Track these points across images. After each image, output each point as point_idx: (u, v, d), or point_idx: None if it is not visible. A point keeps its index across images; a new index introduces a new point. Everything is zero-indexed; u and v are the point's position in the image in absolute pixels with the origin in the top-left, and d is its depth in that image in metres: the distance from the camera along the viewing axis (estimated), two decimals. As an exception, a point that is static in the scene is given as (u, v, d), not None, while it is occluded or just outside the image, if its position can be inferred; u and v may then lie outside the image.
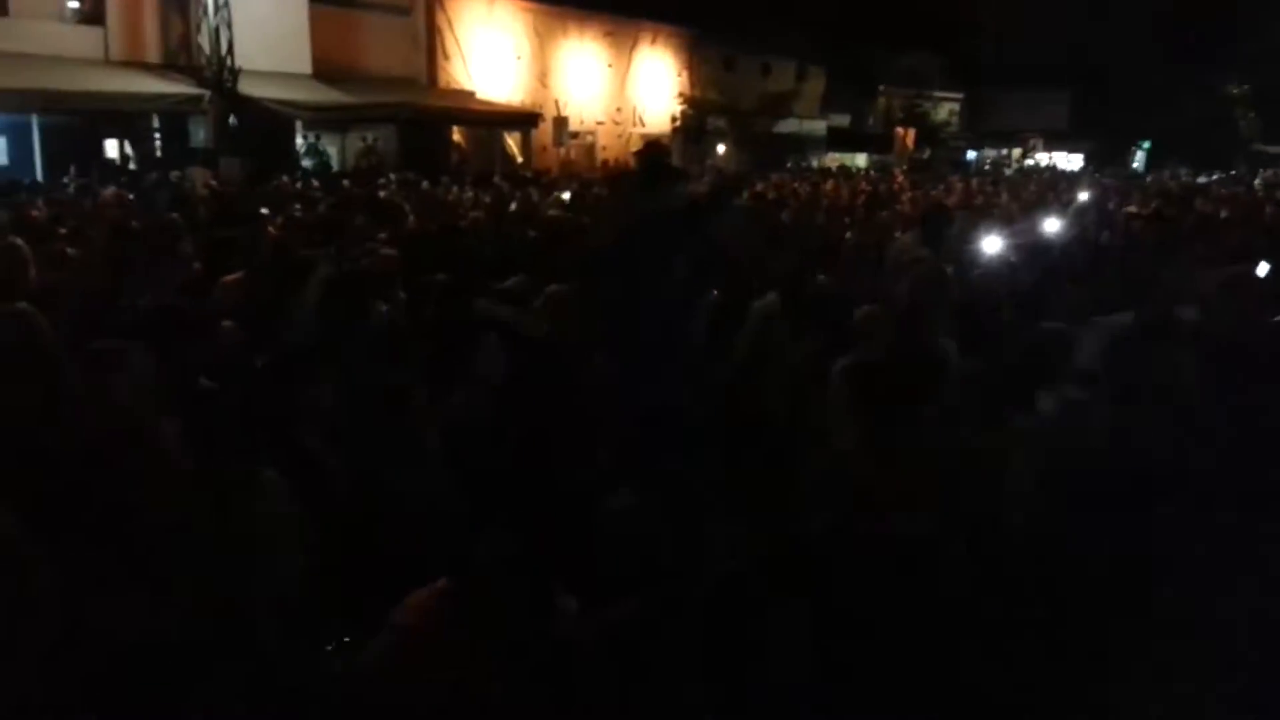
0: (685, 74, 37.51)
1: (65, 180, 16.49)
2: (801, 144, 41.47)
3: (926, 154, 43.14)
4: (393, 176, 18.32)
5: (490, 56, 29.60)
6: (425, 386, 3.42)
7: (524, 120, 29.21)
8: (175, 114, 21.13)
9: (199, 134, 21.81)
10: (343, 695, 2.36)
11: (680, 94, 36.87)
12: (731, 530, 3.36)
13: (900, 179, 25.84)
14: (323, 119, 23.54)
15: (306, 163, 23.15)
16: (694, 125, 36.46)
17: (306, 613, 2.52)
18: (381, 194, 13.77)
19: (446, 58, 28.47)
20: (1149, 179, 29.69)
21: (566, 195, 14.12)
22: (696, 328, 4.96)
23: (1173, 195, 18.13)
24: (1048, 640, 3.39)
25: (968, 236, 8.69)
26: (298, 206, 11.99)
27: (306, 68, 23.10)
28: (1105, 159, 44.47)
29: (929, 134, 45.30)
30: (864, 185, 22.13)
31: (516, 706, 2.60)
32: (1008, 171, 37.61)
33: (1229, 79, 43.63)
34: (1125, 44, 45.57)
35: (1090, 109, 49.29)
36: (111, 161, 21.15)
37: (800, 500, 3.54)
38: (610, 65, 34.61)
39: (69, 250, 7.03)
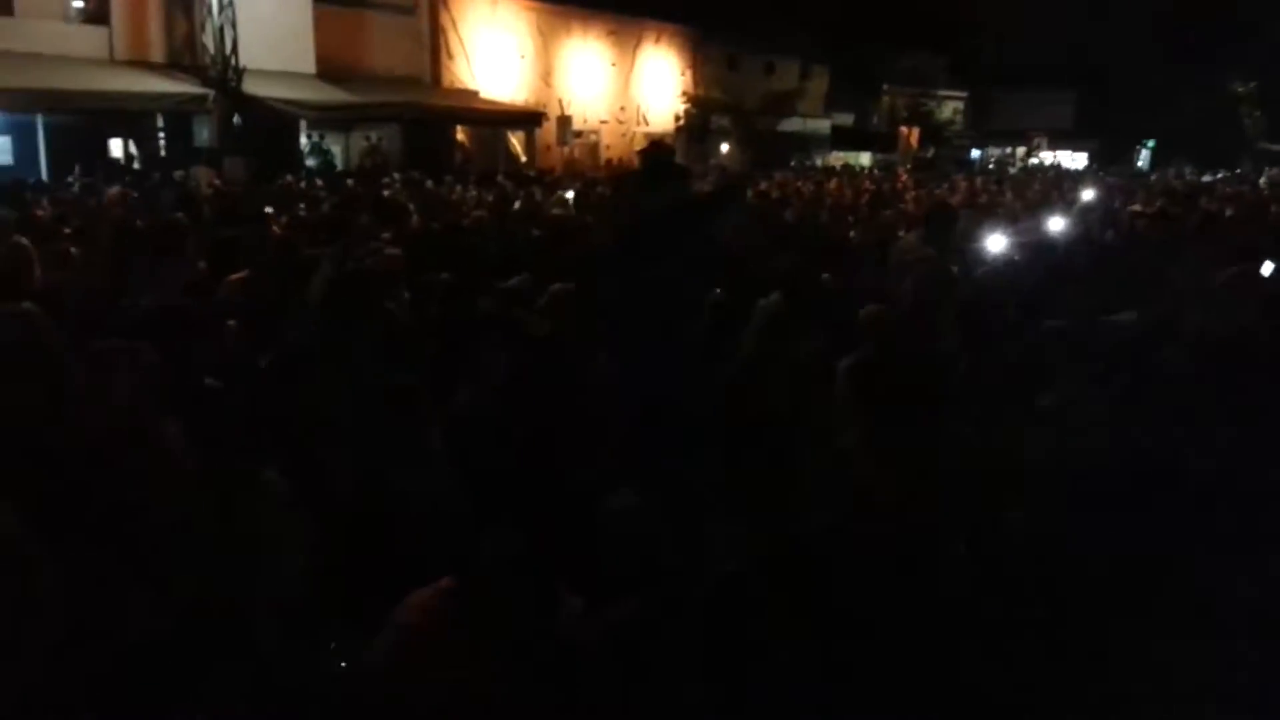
0: (689, 73, 37.49)
1: (70, 180, 16.51)
2: (805, 143, 41.44)
3: (930, 153, 43.07)
4: (397, 176, 18.34)
5: (494, 56, 29.61)
6: (429, 386, 3.42)
7: (528, 119, 29.21)
8: (180, 113, 21.15)
9: (203, 133, 21.83)
10: (344, 694, 2.36)
11: (684, 93, 36.85)
12: (731, 530, 3.36)
13: (904, 178, 25.81)
14: (327, 118, 23.55)
15: (310, 162, 23.16)
16: (698, 124, 36.45)
17: (307, 612, 2.52)
18: (386, 193, 13.79)
19: (450, 57, 28.49)
20: (1153, 178, 29.63)
21: (570, 194, 14.12)
22: (698, 326, 4.96)
23: (1177, 194, 18.09)
24: (1048, 640, 3.39)
25: (972, 236, 8.70)
26: (302, 206, 12.01)
27: (311, 67, 23.12)
28: (1110, 158, 44.39)
29: (933, 133, 45.23)
30: (868, 184, 22.11)
31: (518, 706, 2.60)
32: (1012, 170, 37.53)
33: (1233, 78, 43.51)
34: (1126, 44, 45.47)
35: (1094, 108, 49.20)
36: (116, 161, 21.18)
37: (801, 500, 3.54)
38: (614, 64, 34.60)
39: (72, 250, 7.04)
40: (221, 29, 20.84)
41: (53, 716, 2.11)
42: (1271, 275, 8.24)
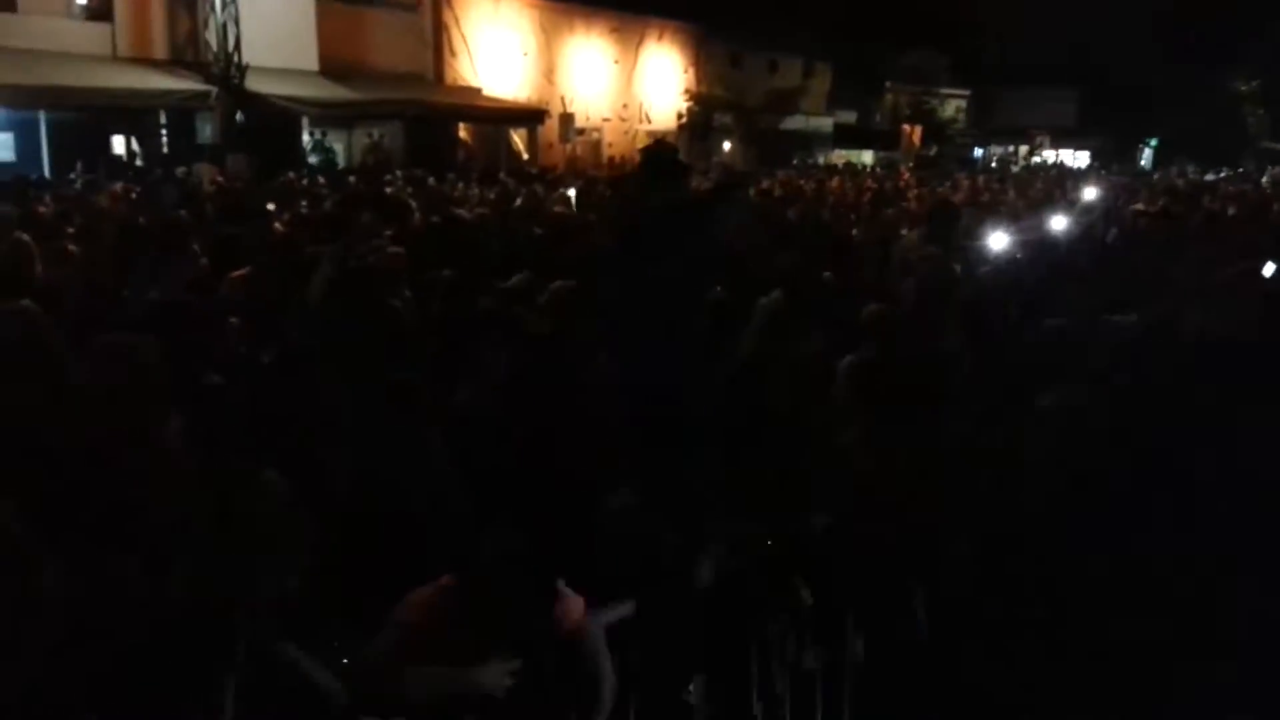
0: (692, 70, 37.45)
1: (72, 176, 16.52)
2: (808, 141, 41.40)
3: (933, 151, 43.03)
4: (399, 173, 18.33)
5: (496, 53, 29.59)
6: (430, 384, 3.42)
7: (530, 117, 29.19)
8: (182, 110, 21.16)
9: (206, 130, 21.84)
10: (346, 693, 2.36)
11: (686, 90, 36.82)
12: (731, 530, 3.36)
13: (907, 176, 25.78)
14: (329, 115, 23.55)
15: (313, 159, 23.16)
16: (700, 122, 36.42)
17: (308, 611, 2.52)
18: (388, 190, 13.79)
19: (453, 54, 28.47)
20: (1156, 176, 29.60)
21: (572, 192, 14.11)
22: (699, 325, 4.95)
23: (1180, 193, 18.07)
24: (1048, 640, 3.39)
25: (974, 234, 8.69)
26: (304, 203, 12.01)
27: (313, 64, 23.12)
28: (1112, 156, 44.33)
29: (936, 131, 45.19)
30: (870, 182, 22.09)
31: (519, 705, 2.60)
32: (1014, 169, 37.50)
33: (1236, 76, 43.45)
34: (1128, 43, 45.39)
35: (1097, 107, 49.13)
36: (118, 158, 21.18)
37: (801, 500, 3.53)
38: (616, 61, 34.57)
39: (71, 248, 7.05)
40: (224, 26, 20.84)
41: (53, 716, 2.11)
42: (1273, 275, 8.23)
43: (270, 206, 10.83)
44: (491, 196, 14.04)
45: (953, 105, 49.93)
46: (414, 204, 10.70)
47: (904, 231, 9.02)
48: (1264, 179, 26.66)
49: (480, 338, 4.33)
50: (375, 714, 2.37)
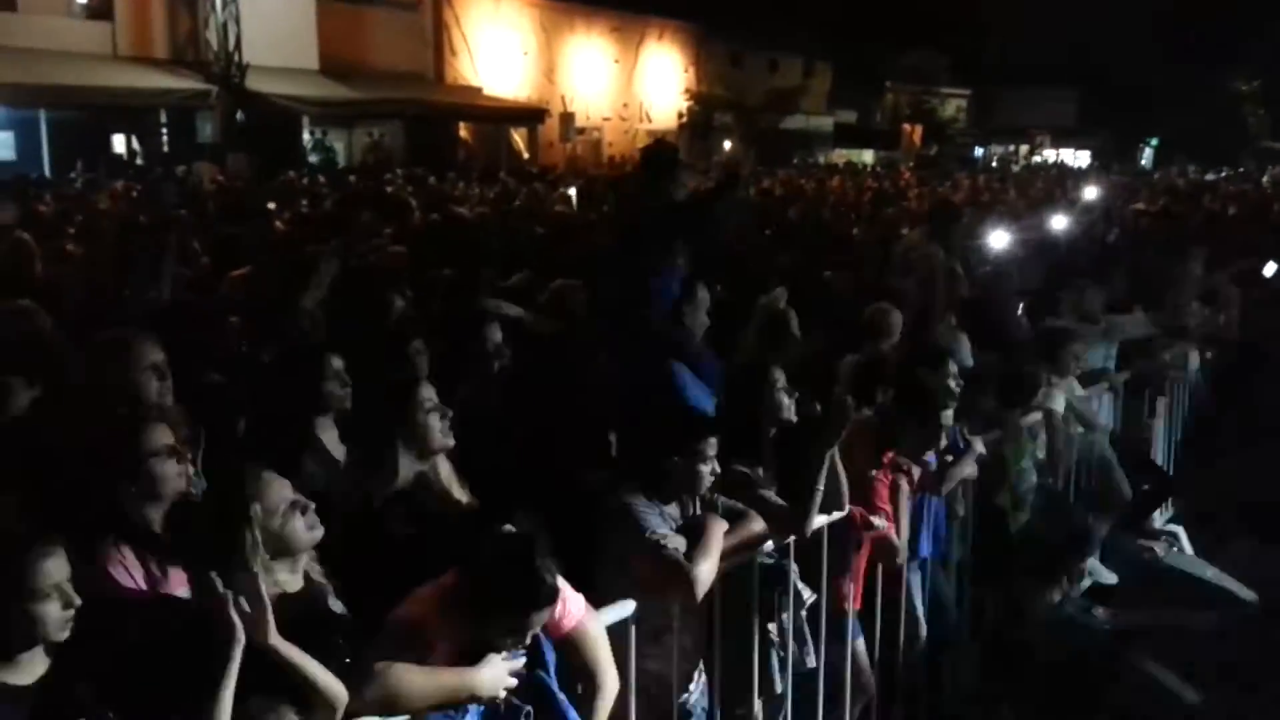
0: (692, 70, 37.46)
1: (73, 175, 16.53)
2: (808, 140, 41.39)
3: (933, 150, 43.02)
4: (399, 172, 18.35)
5: (497, 52, 29.59)
6: (431, 382, 3.41)
7: (530, 116, 29.20)
8: (183, 109, 21.18)
9: (206, 129, 21.85)
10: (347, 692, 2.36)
11: (687, 90, 36.82)
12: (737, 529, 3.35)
13: (907, 176, 25.80)
14: (330, 114, 23.56)
15: (313, 158, 23.17)
16: (701, 121, 36.42)
17: (309, 610, 2.52)
18: (388, 189, 13.79)
19: (453, 53, 28.47)
20: (1157, 176, 29.62)
21: (573, 191, 14.12)
22: (698, 323, 4.94)
23: (1181, 192, 18.08)
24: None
25: (975, 233, 8.69)
26: (304, 202, 12.02)
27: (314, 63, 23.12)
28: (1112, 156, 44.33)
29: (936, 130, 45.18)
30: (871, 182, 22.10)
31: (520, 703, 2.60)
32: (1015, 168, 37.50)
33: (1236, 76, 43.46)
34: (1128, 42, 45.38)
35: (1097, 106, 49.11)
36: (119, 157, 21.19)
37: (802, 499, 3.53)
38: (617, 61, 34.57)
39: (70, 248, 7.05)
40: (225, 25, 20.85)
41: (56, 715, 2.10)
42: (1274, 275, 8.24)
43: (271, 205, 10.84)
44: (492, 196, 14.05)
45: (953, 105, 49.92)
46: (414, 203, 10.70)
47: (904, 231, 9.01)
48: (1264, 179, 26.68)
49: (481, 337, 4.32)
50: (376, 713, 2.36)
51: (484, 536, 2.67)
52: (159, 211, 9.11)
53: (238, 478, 2.55)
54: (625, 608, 3.06)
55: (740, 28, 36.58)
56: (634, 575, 3.10)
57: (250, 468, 2.60)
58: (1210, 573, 6.15)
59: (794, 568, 3.57)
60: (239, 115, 20.59)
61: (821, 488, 3.51)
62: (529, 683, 2.64)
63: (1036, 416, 5.18)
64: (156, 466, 2.69)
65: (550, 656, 2.73)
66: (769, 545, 3.49)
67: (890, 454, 4.04)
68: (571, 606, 2.73)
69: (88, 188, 13.81)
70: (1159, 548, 6.42)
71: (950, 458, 4.41)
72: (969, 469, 4.46)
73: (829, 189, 18.92)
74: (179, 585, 2.57)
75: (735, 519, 3.34)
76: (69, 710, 2.10)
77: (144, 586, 2.56)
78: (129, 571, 2.56)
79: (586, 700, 2.81)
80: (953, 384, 4.46)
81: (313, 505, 2.59)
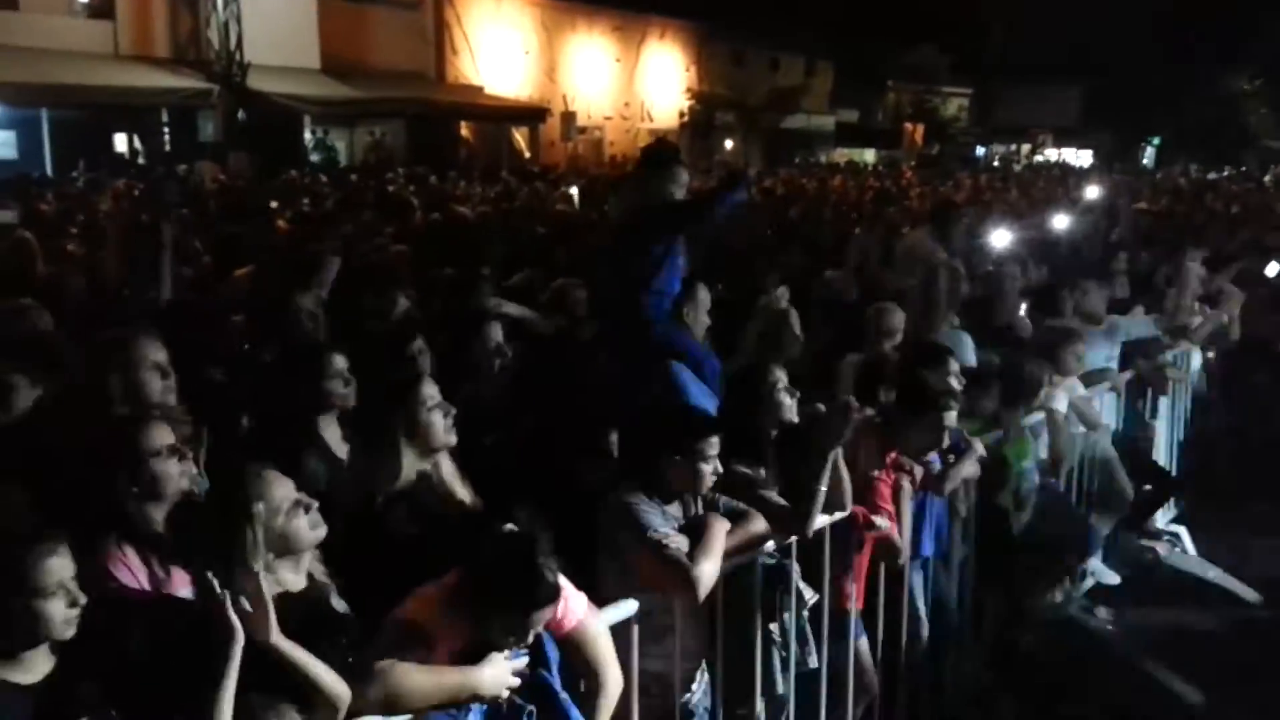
0: (693, 69, 37.44)
1: (74, 175, 16.54)
2: (810, 139, 41.38)
3: (935, 150, 43.00)
4: (401, 171, 18.36)
5: (498, 51, 29.59)
6: (433, 381, 3.41)
7: (532, 115, 29.19)
8: (184, 108, 21.18)
9: (208, 128, 21.86)
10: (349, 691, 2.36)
11: (688, 89, 36.81)
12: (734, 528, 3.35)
13: (909, 175, 25.81)
14: (331, 114, 23.56)
15: (315, 158, 23.18)
16: (702, 120, 36.40)
17: (311, 610, 2.52)
18: (390, 188, 13.80)
19: (455, 52, 28.47)
20: (1159, 175, 29.61)
21: (574, 191, 14.12)
22: (700, 323, 4.94)
23: (1183, 192, 18.07)
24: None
25: (977, 233, 8.69)
26: (306, 201, 12.02)
27: (315, 62, 23.12)
28: (1115, 155, 44.30)
29: (938, 129, 45.17)
30: (872, 181, 22.11)
31: (522, 702, 2.60)
32: (1017, 168, 37.48)
33: (1238, 76, 43.44)
34: (1130, 41, 45.33)
35: (1099, 105, 49.06)
36: (120, 156, 21.21)
37: (804, 499, 3.52)
38: (618, 60, 34.56)
39: (70, 247, 7.06)
40: (226, 24, 20.85)
41: (59, 715, 2.10)
42: (1277, 275, 8.23)
43: (272, 205, 10.85)
44: (493, 195, 14.06)
45: (955, 104, 49.89)
46: (415, 202, 10.70)
47: (906, 230, 9.01)
48: (1266, 178, 26.67)
49: (482, 336, 4.32)
50: (378, 713, 2.36)
51: (485, 535, 2.67)
52: (160, 211, 9.11)
53: (240, 477, 2.55)
54: (627, 607, 3.06)
55: (742, 27, 36.58)
56: (636, 574, 3.10)
57: (253, 466, 2.59)
58: (1213, 573, 6.15)
59: (796, 568, 3.56)
60: (240, 114, 20.59)
61: (824, 488, 3.51)
62: (531, 682, 2.64)
63: (1039, 416, 5.18)
64: (158, 466, 2.69)
65: (553, 655, 2.73)
66: (771, 545, 3.48)
67: (893, 454, 4.04)
68: (573, 605, 2.73)
69: (89, 187, 13.82)
70: (1161, 548, 6.43)
71: (953, 457, 4.40)
72: (971, 469, 4.45)
73: (831, 188, 18.93)
74: (182, 585, 2.57)
75: (737, 519, 3.34)
76: (72, 709, 2.10)
77: (147, 587, 2.56)
78: (132, 572, 2.56)
79: (589, 699, 2.81)
80: (955, 384, 4.46)
81: (316, 504, 2.59)
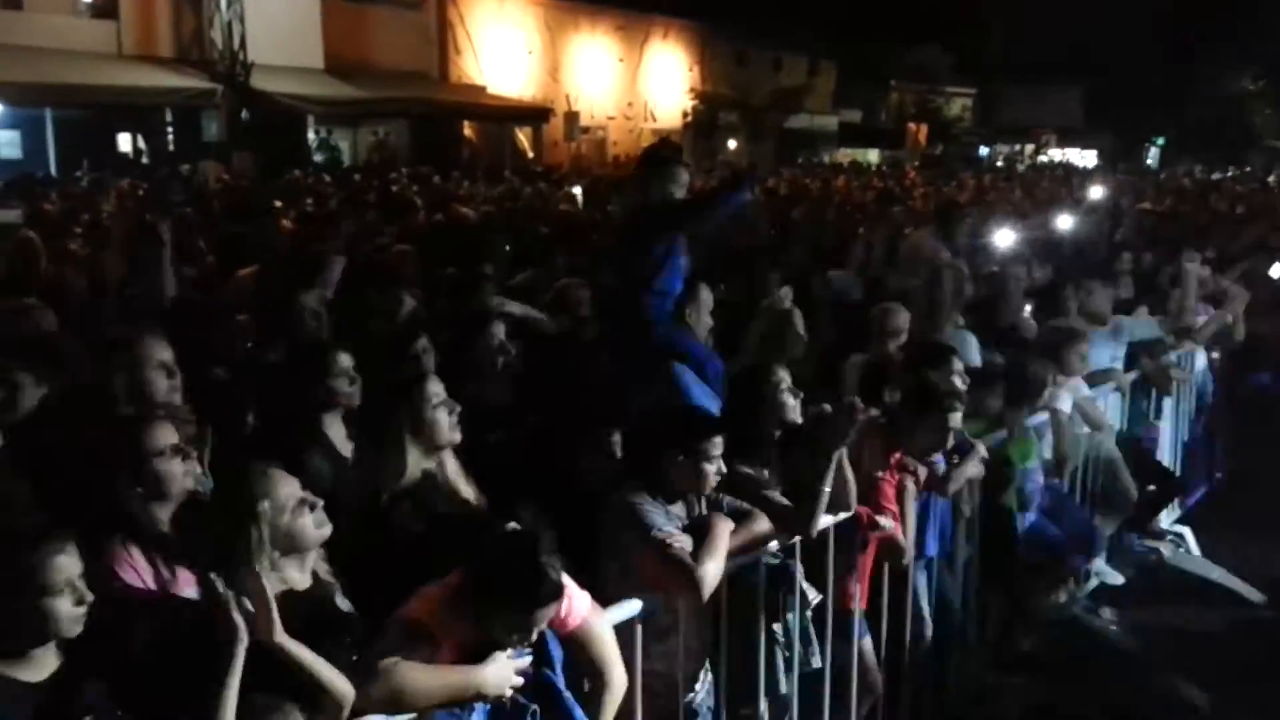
0: (697, 68, 37.43)
1: (78, 174, 16.56)
2: (813, 139, 41.34)
3: (939, 150, 42.93)
4: (404, 171, 18.36)
5: (501, 51, 29.58)
6: (436, 380, 3.41)
7: (535, 115, 29.18)
8: (188, 108, 21.19)
9: (211, 128, 21.87)
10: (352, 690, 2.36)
11: (691, 89, 36.79)
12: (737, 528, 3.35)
13: (912, 175, 25.78)
14: (334, 113, 23.58)
15: (318, 157, 23.20)
16: (705, 120, 36.38)
17: (314, 609, 2.52)
18: (394, 188, 13.81)
19: (458, 52, 28.47)
20: (1163, 175, 29.57)
21: (577, 190, 14.12)
22: (702, 324, 4.94)
23: (1188, 192, 18.05)
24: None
25: (981, 233, 8.67)
26: (310, 201, 12.03)
27: (318, 62, 23.14)
28: (1119, 155, 44.24)
29: (941, 129, 45.08)
30: (876, 181, 22.09)
31: (526, 701, 2.60)
32: (1020, 168, 37.43)
33: (1243, 76, 43.37)
34: (1131, 41, 45.27)
35: (1103, 105, 49.00)
36: (124, 155, 21.23)
37: (808, 499, 3.52)
38: (621, 60, 34.55)
39: (74, 247, 7.07)
40: (230, 24, 20.86)
41: (64, 713, 2.11)
42: (1282, 274, 8.21)
43: (276, 204, 10.85)
44: (496, 195, 14.06)
45: (958, 104, 49.81)
46: (419, 202, 10.71)
47: (909, 231, 9.00)
48: (1271, 178, 26.62)
49: (485, 335, 4.32)
50: (382, 711, 2.37)
51: (488, 534, 2.67)
52: (164, 210, 9.13)
53: (245, 475, 2.56)
54: (631, 607, 3.06)
55: (745, 27, 36.57)
56: (639, 574, 3.10)
57: (258, 465, 2.60)
58: (1217, 573, 6.15)
59: (800, 568, 3.56)
60: (244, 114, 20.61)
61: (828, 489, 3.51)
62: (535, 681, 2.64)
63: (1043, 416, 5.17)
64: (162, 466, 2.69)
65: (557, 654, 2.73)
66: (774, 545, 3.48)
67: (897, 454, 4.03)
68: (577, 604, 2.73)
69: (94, 187, 13.84)
70: (1165, 548, 6.43)
71: (957, 458, 4.40)
72: (975, 469, 4.45)
73: (834, 188, 18.92)
74: (187, 585, 2.57)
75: (741, 519, 3.34)
76: (78, 708, 2.10)
77: (152, 586, 2.56)
78: (137, 571, 2.56)
79: (593, 698, 2.81)
80: (959, 384, 4.45)
81: (321, 502, 2.59)
